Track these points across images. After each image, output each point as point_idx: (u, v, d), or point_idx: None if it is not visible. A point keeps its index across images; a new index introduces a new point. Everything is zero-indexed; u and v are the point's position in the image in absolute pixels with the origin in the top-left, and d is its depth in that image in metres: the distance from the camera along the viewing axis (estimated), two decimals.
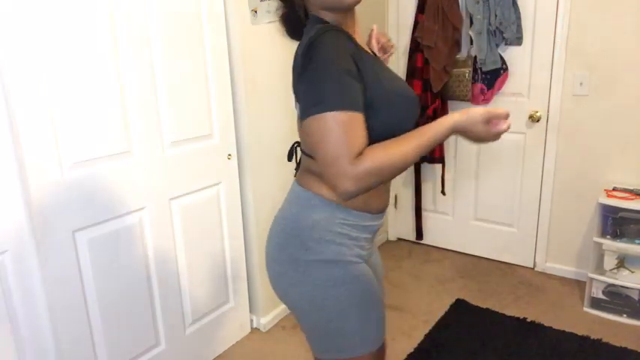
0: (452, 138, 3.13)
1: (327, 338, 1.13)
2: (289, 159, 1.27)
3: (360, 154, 0.91)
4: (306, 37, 1.01)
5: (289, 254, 1.12)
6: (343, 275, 1.10)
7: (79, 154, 1.63)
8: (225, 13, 2.08)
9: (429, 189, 3.31)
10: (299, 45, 1.04)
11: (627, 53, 2.48)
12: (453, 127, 1.00)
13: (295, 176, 1.21)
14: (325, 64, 0.94)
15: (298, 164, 1.22)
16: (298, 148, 1.22)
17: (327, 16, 1.07)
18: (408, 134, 0.99)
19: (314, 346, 1.18)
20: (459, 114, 1.00)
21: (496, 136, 1.01)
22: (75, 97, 1.59)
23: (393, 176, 0.98)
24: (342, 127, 0.91)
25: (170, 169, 1.94)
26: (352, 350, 1.13)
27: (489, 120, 1.00)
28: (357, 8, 1.11)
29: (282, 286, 1.17)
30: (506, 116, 1.01)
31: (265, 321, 2.46)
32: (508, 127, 1.00)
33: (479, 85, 2.88)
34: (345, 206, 1.09)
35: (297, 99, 1.03)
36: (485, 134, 1.01)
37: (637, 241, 2.37)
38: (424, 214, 3.36)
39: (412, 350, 2.25)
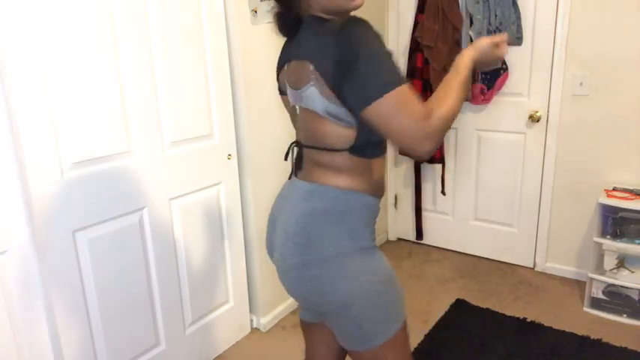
0: (452, 138, 3.13)
1: (376, 325, 1.13)
2: (286, 158, 1.27)
3: (426, 115, 0.98)
4: (328, 34, 1.01)
5: (321, 253, 1.09)
6: (377, 259, 1.13)
7: (79, 154, 1.63)
8: (225, 13, 2.08)
9: (429, 189, 3.31)
10: (321, 39, 1.03)
11: (627, 53, 2.48)
12: (472, 61, 1.12)
13: (297, 176, 1.20)
14: (376, 48, 0.98)
15: (297, 165, 1.22)
16: (296, 149, 1.22)
17: (328, 18, 1.08)
18: (446, 81, 1.07)
19: (360, 339, 1.13)
20: (471, 49, 1.14)
21: (500, 58, 1.19)
22: (75, 97, 1.59)
23: (453, 122, 1.06)
24: (410, 97, 0.98)
25: (170, 169, 1.94)
26: (394, 328, 1.15)
27: (497, 44, 1.17)
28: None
29: (321, 290, 1.10)
30: (505, 38, 1.19)
31: (265, 321, 2.46)
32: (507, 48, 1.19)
33: (479, 85, 2.88)
34: (363, 192, 1.12)
35: (341, 91, 1.01)
36: (494, 58, 1.18)
37: (637, 241, 2.37)
38: (424, 214, 3.36)
39: (412, 350, 2.25)
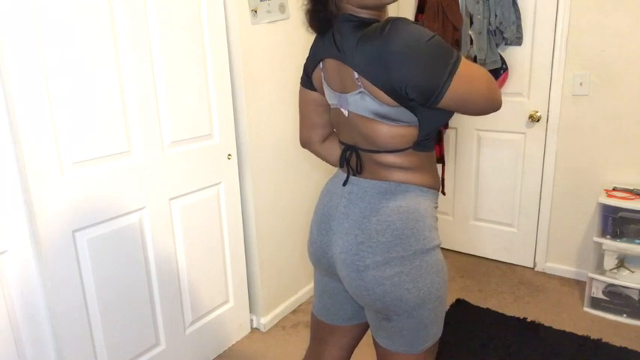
0: (452, 138, 3.13)
1: (435, 327, 1.14)
2: (342, 165, 1.20)
3: (489, 84, 1.05)
4: (373, 38, 0.99)
5: (406, 250, 1.07)
6: (442, 257, 1.15)
7: (79, 154, 1.63)
8: (225, 13, 2.08)
9: None
10: (367, 44, 1.00)
11: (627, 53, 2.48)
12: None
13: (359, 176, 1.16)
14: (426, 40, 0.97)
15: (356, 168, 1.16)
16: (358, 152, 1.15)
17: (363, 13, 1.05)
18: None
19: (417, 341, 1.13)
20: None
21: None
22: (75, 97, 1.59)
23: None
24: (474, 65, 1.03)
25: (170, 169, 1.94)
26: (439, 333, 1.17)
27: None
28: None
29: (401, 287, 1.07)
30: None
31: (265, 321, 2.46)
32: None
33: None
34: (433, 188, 1.15)
35: (401, 92, 1.00)
36: None
37: (637, 241, 2.37)
38: None
39: None
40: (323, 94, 1.24)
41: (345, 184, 1.17)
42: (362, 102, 1.06)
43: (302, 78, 1.27)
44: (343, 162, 1.19)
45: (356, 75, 1.04)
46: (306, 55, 2.41)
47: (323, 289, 1.30)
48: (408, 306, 1.08)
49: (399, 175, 1.11)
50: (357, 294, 1.13)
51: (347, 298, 1.27)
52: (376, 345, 1.21)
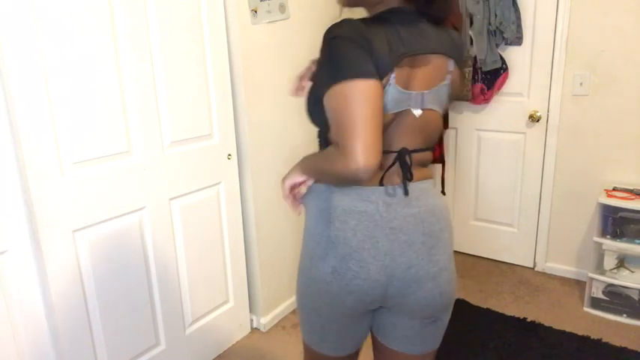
0: (452, 138, 3.13)
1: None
2: (406, 170, 1.03)
3: None
4: (449, 32, 1.08)
5: (452, 245, 1.12)
6: None
7: (79, 154, 1.63)
8: (225, 13, 2.08)
9: None
10: (446, 36, 1.06)
11: (627, 53, 2.48)
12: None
13: (412, 179, 1.03)
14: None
15: (410, 169, 1.03)
16: (410, 155, 1.05)
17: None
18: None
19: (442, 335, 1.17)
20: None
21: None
22: (75, 97, 1.59)
23: None
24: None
25: (170, 169, 1.94)
26: None
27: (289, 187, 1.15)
28: (358, 9, 1.12)
29: (454, 285, 1.10)
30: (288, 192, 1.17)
31: (265, 321, 2.46)
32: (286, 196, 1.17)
33: (479, 85, 2.88)
34: None
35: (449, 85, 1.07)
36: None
37: (637, 241, 2.37)
38: None
39: None
40: None
41: (406, 193, 1.01)
42: (442, 95, 1.05)
43: (370, 71, 0.91)
44: (386, 172, 1.03)
45: (451, 66, 1.05)
46: (306, 54, 2.41)
47: (347, 331, 1.13)
48: (451, 301, 1.09)
49: (428, 172, 1.11)
50: (426, 304, 1.04)
51: (367, 325, 1.17)
52: (417, 358, 1.14)
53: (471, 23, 2.79)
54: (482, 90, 2.88)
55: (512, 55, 2.80)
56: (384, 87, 0.96)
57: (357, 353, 1.24)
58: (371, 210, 1.01)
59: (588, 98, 2.63)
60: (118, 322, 1.83)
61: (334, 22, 0.95)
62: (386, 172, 1.02)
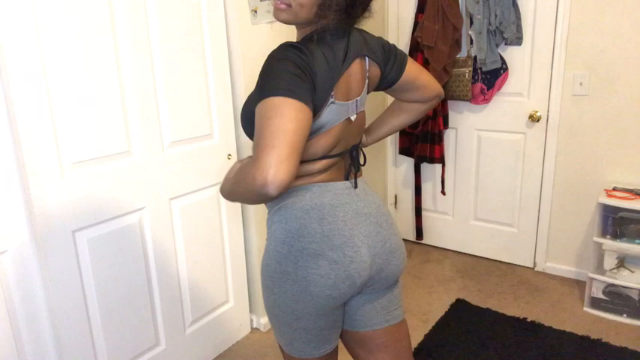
0: (452, 138, 3.13)
1: None
2: (355, 165, 1.18)
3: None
4: (373, 36, 1.21)
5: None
6: None
7: (79, 154, 1.63)
8: (225, 13, 2.08)
9: (429, 189, 3.31)
10: (369, 39, 1.17)
11: (627, 53, 2.48)
12: None
13: (359, 176, 1.21)
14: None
15: (359, 165, 1.21)
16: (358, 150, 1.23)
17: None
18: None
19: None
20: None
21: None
22: (75, 97, 1.59)
23: None
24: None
25: (170, 169, 1.94)
26: None
27: None
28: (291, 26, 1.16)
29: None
30: None
31: (265, 321, 2.46)
32: None
33: (479, 85, 2.88)
34: None
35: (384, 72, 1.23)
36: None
37: (637, 241, 2.37)
38: (424, 214, 3.36)
39: (413, 350, 2.25)
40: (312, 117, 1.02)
41: (356, 186, 1.17)
42: (365, 95, 1.16)
43: (303, 96, 0.92)
44: (350, 169, 1.17)
45: (367, 65, 1.14)
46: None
47: (333, 324, 1.17)
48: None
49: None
50: (397, 270, 1.21)
51: (342, 313, 1.23)
52: (391, 332, 1.25)
53: (471, 23, 2.79)
54: (482, 90, 2.88)
55: (512, 55, 2.80)
56: (326, 106, 1.03)
57: (337, 349, 1.30)
58: (350, 201, 1.13)
59: (588, 98, 2.63)
60: (118, 322, 1.83)
61: (280, 45, 1.00)
62: (349, 168, 1.16)
